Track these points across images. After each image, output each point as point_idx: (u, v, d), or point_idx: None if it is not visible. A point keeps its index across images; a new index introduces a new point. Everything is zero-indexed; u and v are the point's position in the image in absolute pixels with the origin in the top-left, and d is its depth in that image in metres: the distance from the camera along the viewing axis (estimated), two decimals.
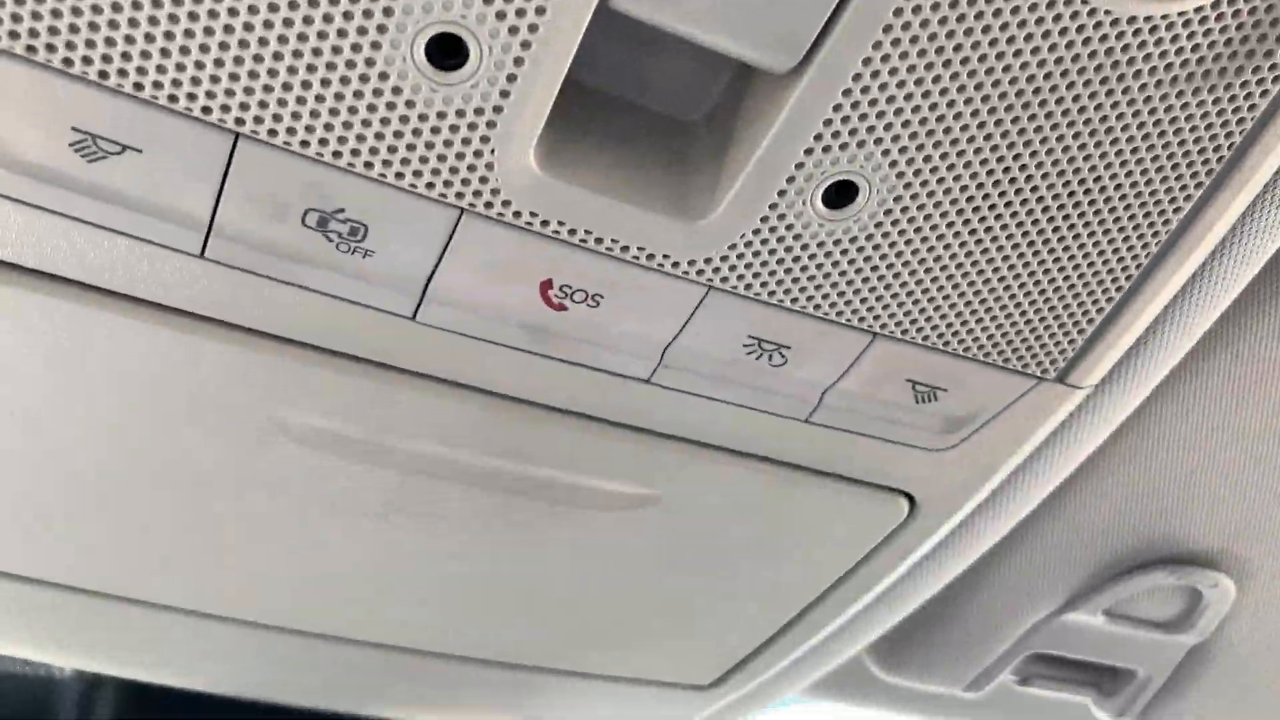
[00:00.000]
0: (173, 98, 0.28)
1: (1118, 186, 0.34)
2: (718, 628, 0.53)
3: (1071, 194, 0.34)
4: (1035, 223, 0.35)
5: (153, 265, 0.33)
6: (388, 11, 0.27)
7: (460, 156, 0.30)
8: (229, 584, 0.46)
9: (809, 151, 0.31)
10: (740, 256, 0.34)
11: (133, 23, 0.27)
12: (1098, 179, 0.34)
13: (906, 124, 0.31)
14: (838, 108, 0.30)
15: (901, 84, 0.30)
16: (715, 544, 0.46)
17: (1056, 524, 0.57)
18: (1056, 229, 0.35)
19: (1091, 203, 0.34)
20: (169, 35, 0.27)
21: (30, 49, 0.27)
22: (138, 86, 0.28)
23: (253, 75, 0.28)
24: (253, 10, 0.27)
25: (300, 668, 0.54)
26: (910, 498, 0.45)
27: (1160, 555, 0.60)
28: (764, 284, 0.35)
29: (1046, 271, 0.36)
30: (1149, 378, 0.43)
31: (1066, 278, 0.37)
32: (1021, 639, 0.65)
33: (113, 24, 0.27)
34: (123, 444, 0.38)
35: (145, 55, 0.28)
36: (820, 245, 0.34)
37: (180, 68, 0.28)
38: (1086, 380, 0.41)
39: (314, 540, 0.43)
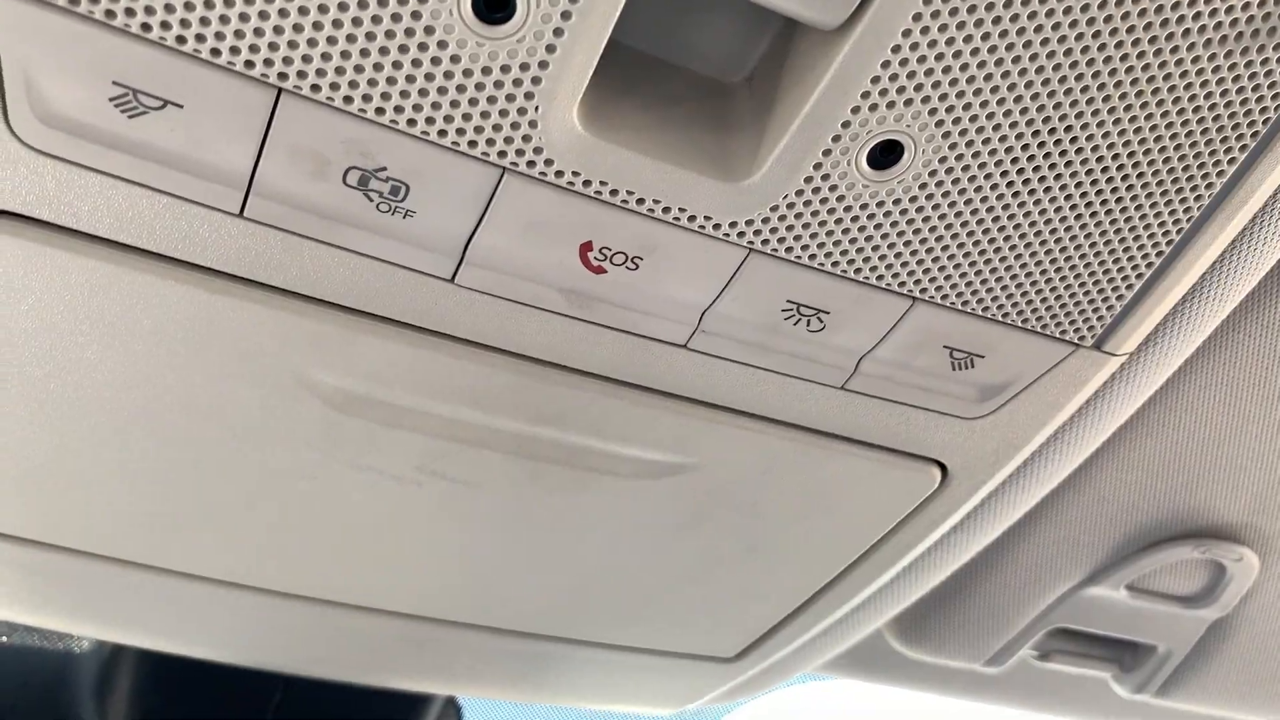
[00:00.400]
0: (215, 51, 0.28)
1: (1162, 150, 0.34)
2: (745, 599, 0.53)
3: (1116, 157, 0.34)
4: (1079, 185, 0.34)
5: (191, 224, 0.32)
6: None
7: (504, 114, 0.30)
8: (253, 551, 0.46)
9: (855, 110, 0.31)
10: (782, 219, 0.33)
11: None
12: (1143, 141, 0.33)
13: (955, 82, 0.31)
14: (886, 64, 0.30)
15: (951, 40, 0.29)
16: (745, 513, 0.46)
17: (1081, 497, 0.57)
18: (1100, 192, 0.35)
19: (1135, 165, 0.34)
20: None
21: (72, 1, 0.27)
22: (180, 40, 0.28)
23: (296, 29, 0.28)
24: None
25: (322, 639, 0.54)
26: (942, 467, 0.45)
27: (1184, 529, 0.60)
28: (805, 247, 0.34)
29: (1088, 236, 0.36)
30: (1183, 347, 0.43)
31: (1108, 242, 0.36)
32: (1044, 613, 0.64)
33: None
34: (152, 407, 0.38)
35: (188, 8, 0.27)
36: (863, 207, 0.34)
37: (223, 20, 0.28)
38: (1122, 348, 0.40)
39: (341, 506, 0.43)
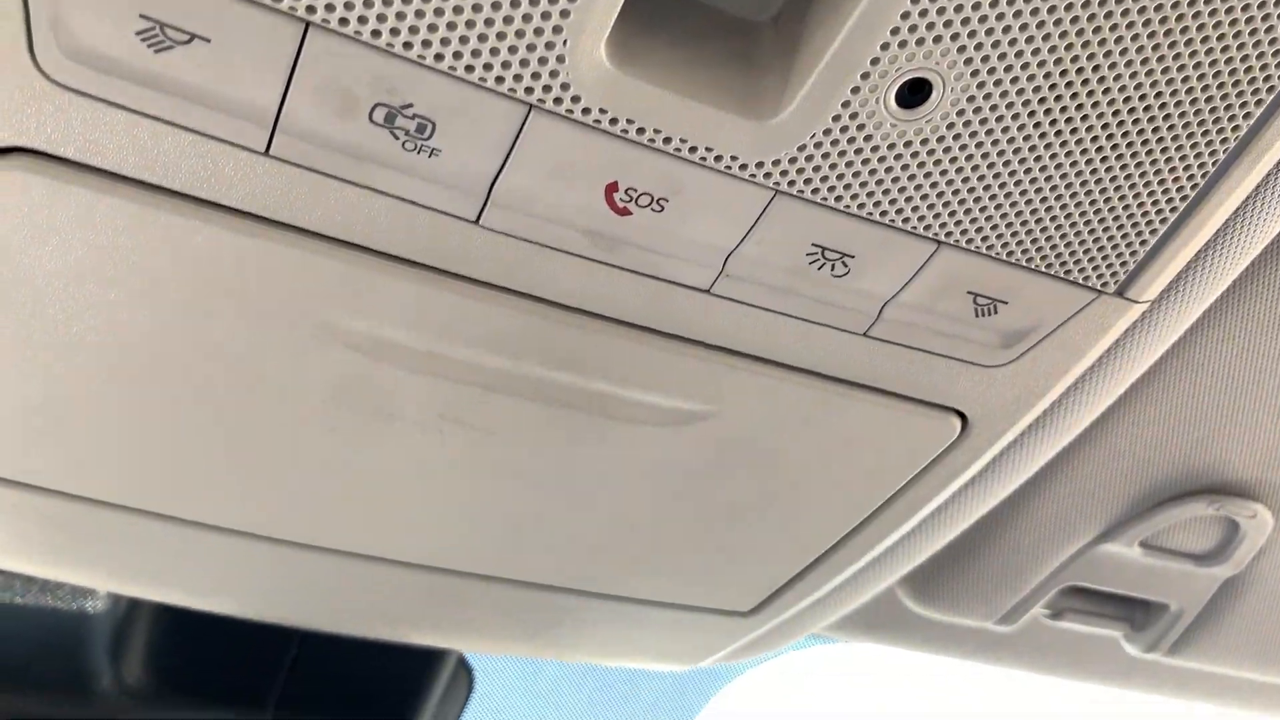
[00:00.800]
0: None
1: (1189, 91, 0.33)
2: (763, 551, 0.53)
3: (1144, 99, 0.33)
4: (1106, 128, 0.34)
5: (216, 163, 0.32)
6: None
7: (531, 49, 0.30)
8: (269, 502, 0.46)
9: (885, 46, 0.31)
10: (809, 159, 0.33)
11: None
12: (1170, 83, 0.33)
13: (984, 19, 0.30)
14: (915, 0, 0.30)
15: None
16: (764, 463, 0.46)
17: (1096, 451, 0.57)
18: (1126, 135, 0.34)
19: (1163, 108, 0.34)
20: None
21: None
22: None
23: None
24: None
25: (337, 592, 0.54)
26: (962, 416, 0.45)
27: (1199, 485, 0.60)
28: (831, 188, 0.34)
29: (1114, 180, 0.36)
30: (1204, 295, 0.43)
31: (1133, 187, 0.36)
32: (1057, 570, 0.65)
33: None
34: (173, 351, 0.38)
35: None
36: (890, 147, 0.33)
37: None
38: (1145, 295, 0.40)
39: (361, 455, 0.43)
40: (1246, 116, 0.34)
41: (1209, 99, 0.34)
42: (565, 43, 0.30)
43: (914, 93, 0.32)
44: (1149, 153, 0.35)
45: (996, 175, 0.35)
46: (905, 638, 0.74)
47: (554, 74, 0.30)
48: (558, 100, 0.31)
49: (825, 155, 0.33)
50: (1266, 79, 0.33)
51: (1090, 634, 0.73)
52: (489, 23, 0.29)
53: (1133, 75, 0.33)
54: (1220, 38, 0.32)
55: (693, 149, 0.33)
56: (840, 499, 0.49)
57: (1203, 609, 0.68)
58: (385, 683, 0.77)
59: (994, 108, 0.33)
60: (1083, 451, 0.57)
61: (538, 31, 0.29)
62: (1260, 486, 0.60)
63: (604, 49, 0.30)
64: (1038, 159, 0.35)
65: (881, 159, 0.34)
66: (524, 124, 0.32)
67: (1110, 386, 0.46)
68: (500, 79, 0.30)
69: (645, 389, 0.41)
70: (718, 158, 0.33)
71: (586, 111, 0.31)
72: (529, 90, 0.31)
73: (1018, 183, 0.35)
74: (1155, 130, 0.34)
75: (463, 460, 0.44)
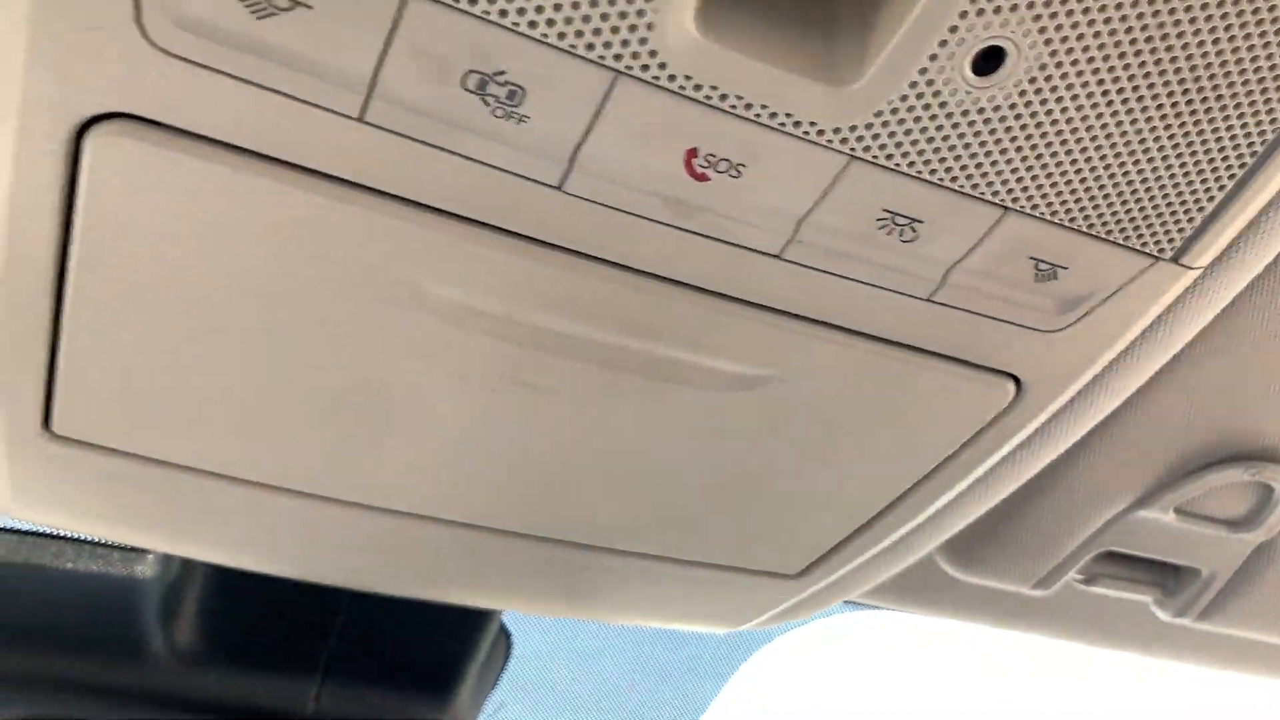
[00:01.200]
0: None
1: (1254, 59, 0.34)
2: (813, 513, 0.54)
3: (1209, 65, 0.34)
4: (1170, 94, 0.35)
5: (311, 128, 0.33)
6: None
7: (623, 15, 0.31)
8: (334, 461, 0.47)
9: (963, 15, 0.31)
10: (885, 125, 0.34)
11: None
12: (1235, 50, 0.34)
13: None
14: None
15: None
16: (820, 426, 0.47)
17: (1138, 417, 0.58)
18: (1190, 100, 0.35)
19: (1227, 77, 0.35)
20: None
21: None
22: None
23: None
24: None
25: (387, 551, 0.56)
26: (1017, 381, 0.46)
27: (1236, 451, 0.61)
28: (905, 154, 0.35)
29: (1175, 146, 0.37)
30: (1255, 261, 0.44)
31: (1194, 153, 0.37)
32: (1094, 535, 0.66)
33: None
34: (258, 311, 0.39)
35: None
36: (964, 114, 0.34)
37: None
38: (1199, 261, 0.41)
39: (430, 416, 0.44)
40: None
41: (1273, 66, 0.34)
42: (655, 10, 0.31)
43: (988, 60, 0.33)
44: (1211, 120, 0.36)
45: (1063, 142, 0.36)
46: (939, 604, 0.75)
47: (643, 41, 0.31)
48: (645, 67, 0.32)
49: (900, 121, 0.34)
50: None
51: (1121, 599, 0.74)
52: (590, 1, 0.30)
53: (1199, 42, 0.33)
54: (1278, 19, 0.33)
55: (772, 114, 0.34)
56: (893, 463, 0.50)
57: (1234, 574, 0.70)
58: (429, 647, 0.78)
59: (1064, 75, 0.34)
60: (1125, 417, 0.58)
61: (630, 0, 0.30)
62: None
63: (692, 17, 0.31)
64: (1104, 126, 0.35)
65: (955, 125, 0.35)
66: (611, 90, 0.33)
67: (1159, 352, 0.47)
68: (591, 45, 0.31)
69: (711, 354, 0.42)
70: (796, 123, 0.34)
71: (672, 78, 0.32)
72: (618, 57, 0.32)
73: (1083, 150, 0.36)
74: (1219, 98, 0.35)
75: (525, 421, 0.45)
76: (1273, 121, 0.36)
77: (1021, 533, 0.66)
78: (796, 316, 0.42)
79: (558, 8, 0.30)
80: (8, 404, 0.43)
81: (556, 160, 0.35)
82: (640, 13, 0.31)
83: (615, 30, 0.31)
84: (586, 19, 0.31)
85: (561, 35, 0.31)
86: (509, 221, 0.37)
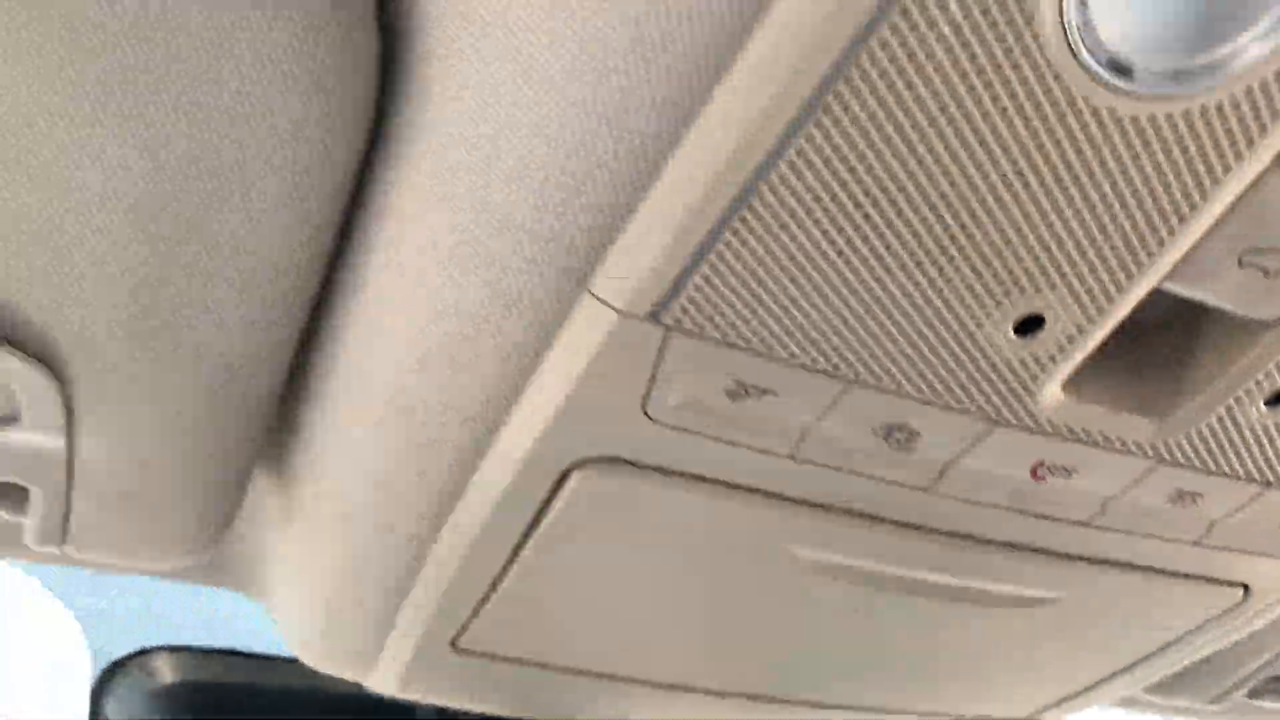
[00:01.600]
0: (801, 357, 0.38)
1: None
2: (1052, 681, 0.63)
3: None
4: None
5: (754, 462, 0.43)
6: (981, 301, 0.36)
7: (1014, 392, 0.40)
8: (725, 668, 0.58)
9: (1267, 374, 0.40)
10: (1189, 441, 0.43)
11: (775, 312, 0.36)
12: None
13: None
14: None
15: None
16: (1080, 627, 0.56)
17: None
18: None
19: None
20: (800, 311, 0.37)
21: (692, 330, 0.37)
22: (781, 347, 0.38)
23: (864, 340, 0.38)
24: (879, 295, 0.36)
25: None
26: (1246, 588, 0.55)
27: None
28: (1202, 460, 0.44)
29: None
30: None
31: None
32: (1264, 665, 0.74)
33: (755, 307, 0.36)
34: (690, 586, 0.49)
35: (788, 334, 0.37)
36: (1253, 430, 0.43)
37: (811, 340, 0.38)
38: None
39: (789, 628, 0.55)
40: None
41: None
42: (1040, 385, 0.40)
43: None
44: None
45: None
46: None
47: (1024, 404, 0.41)
48: (1019, 419, 0.41)
49: (1203, 439, 0.43)
50: None
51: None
52: (989, 380, 0.39)
53: None
54: None
55: (1107, 439, 0.43)
56: (1129, 645, 0.59)
57: None
58: None
59: None
60: None
61: (1021, 382, 0.40)
62: None
63: (1060, 386, 0.40)
64: None
65: (1245, 436, 0.44)
66: (987, 434, 0.42)
67: None
68: (981, 409, 0.41)
69: (1012, 585, 0.52)
70: (1123, 443, 0.43)
71: (1036, 423, 0.42)
72: (999, 414, 0.41)
73: None
74: None
75: (858, 634, 0.55)
76: None
77: (1209, 662, 0.75)
78: (1091, 560, 0.51)
79: (965, 389, 0.40)
80: (425, 632, 0.53)
81: (930, 474, 0.44)
82: (1027, 389, 0.40)
83: (1003, 398, 0.40)
84: (986, 394, 0.40)
85: (963, 405, 0.40)
86: (877, 511, 0.46)
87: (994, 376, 0.39)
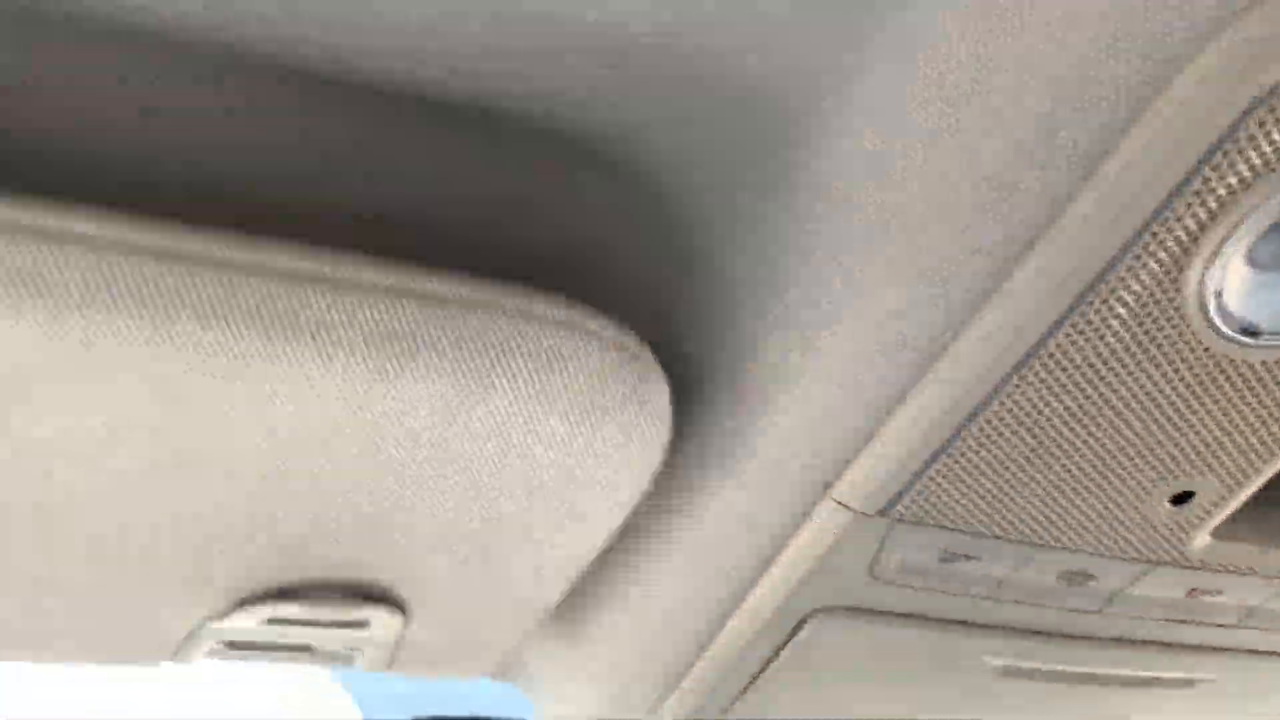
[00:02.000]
0: (995, 534, 0.48)
1: None
2: None
3: None
4: None
5: (959, 601, 0.53)
6: (1143, 485, 0.46)
7: (1170, 543, 0.50)
8: None
9: None
10: None
11: (986, 500, 0.47)
12: None
13: None
14: None
15: None
16: (1238, 704, 0.65)
17: None
18: None
19: None
20: (1008, 500, 0.47)
21: (914, 520, 0.47)
22: (994, 534, 0.48)
23: (1053, 516, 0.48)
24: (1068, 482, 0.46)
25: None
26: None
27: None
28: None
29: None
30: None
31: None
32: None
33: (971, 498, 0.46)
34: (902, 702, 0.60)
35: (993, 516, 0.47)
36: None
37: (1011, 515, 0.48)
38: None
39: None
40: None
41: None
42: (1191, 540, 0.49)
43: None
44: None
45: None
46: None
47: (1180, 551, 0.50)
48: (1174, 560, 0.51)
49: None
50: None
51: None
52: (1150, 539, 0.49)
53: None
54: None
55: (1251, 569, 0.52)
56: None
57: None
58: None
59: None
60: None
61: (1179, 539, 0.49)
62: None
63: (1209, 532, 0.50)
64: None
65: None
66: (1148, 573, 0.51)
67: None
68: (1145, 556, 0.50)
69: (1181, 672, 0.61)
70: (1265, 569, 0.52)
71: (1188, 562, 0.51)
72: (1158, 557, 0.50)
73: None
74: None
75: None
76: None
77: None
78: (1250, 652, 0.60)
79: (1131, 545, 0.49)
80: None
81: (1100, 601, 0.54)
82: (1179, 540, 0.49)
83: (1162, 549, 0.50)
84: (1148, 548, 0.50)
85: (1125, 554, 0.50)
86: (1055, 629, 0.56)
87: (1155, 534, 0.49)
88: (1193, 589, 0.53)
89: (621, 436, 0.43)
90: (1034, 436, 0.43)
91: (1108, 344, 0.39)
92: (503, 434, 0.42)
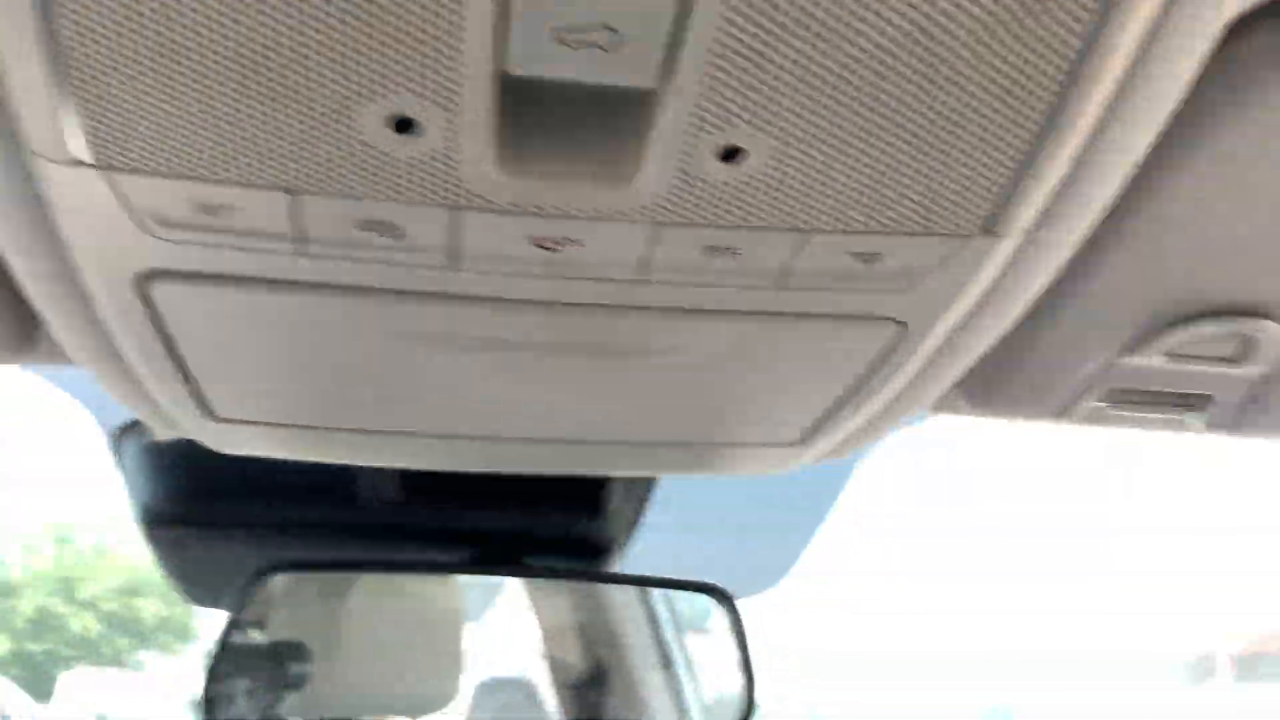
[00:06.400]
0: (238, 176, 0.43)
1: (985, 66, 0.40)
2: (795, 393, 0.66)
3: (936, 101, 0.41)
4: (908, 139, 0.42)
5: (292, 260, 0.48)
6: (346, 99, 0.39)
7: (445, 182, 0.43)
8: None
9: (699, 131, 0.41)
10: (672, 199, 0.44)
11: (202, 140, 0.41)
12: (953, 79, 0.40)
13: (773, 94, 0.40)
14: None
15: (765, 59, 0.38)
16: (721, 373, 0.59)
17: (1090, 285, 0.64)
18: (934, 132, 0.42)
19: (960, 94, 0.41)
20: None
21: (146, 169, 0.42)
22: (237, 177, 0.42)
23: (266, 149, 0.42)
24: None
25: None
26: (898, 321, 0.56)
27: (1205, 307, 0.66)
28: (700, 214, 0.45)
29: (940, 148, 0.43)
30: (1081, 214, 0.50)
31: (965, 162, 0.44)
32: (1093, 376, 0.73)
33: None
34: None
35: (226, 157, 0.42)
36: (725, 185, 0.44)
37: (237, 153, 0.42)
38: (1015, 229, 0.48)
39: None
40: (1063, 60, 0.41)
41: (1010, 63, 0.40)
42: (461, 168, 0.42)
43: (730, 154, 0.42)
44: (968, 118, 0.42)
45: (825, 185, 0.44)
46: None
47: (463, 186, 0.43)
48: (471, 201, 0.44)
49: (684, 196, 0.44)
50: (1064, 42, 0.39)
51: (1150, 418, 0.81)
52: (410, 171, 0.42)
53: (919, 90, 0.41)
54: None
55: (582, 210, 0.45)
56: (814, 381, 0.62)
57: (1247, 397, 0.75)
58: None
59: (805, 152, 0.42)
60: (1080, 287, 0.64)
61: (443, 168, 0.42)
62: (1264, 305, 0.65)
63: (494, 165, 0.42)
64: (856, 168, 0.44)
65: (727, 192, 0.44)
66: (458, 221, 0.45)
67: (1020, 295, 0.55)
68: (435, 199, 0.44)
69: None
70: (603, 211, 0.45)
71: (495, 204, 0.44)
72: (457, 199, 0.44)
73: (850, 183, 0.44)
74: (959, 118, 0.42)
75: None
76: (1035, 103, 0.42)
77: (1028, 372, 0.74)
78: (672, 310, 0.53)
79: (395, 188, 0.43)
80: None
81: (439, 258, 0.48)
82: (450, 172, 0.43)
83: (444, 185, 0.43)
84: (421, 181, 0.43)
85: (408, 198, 0.44)
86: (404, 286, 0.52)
87: (410, 172, 0.42)
88: (537, 237, 0.47)
89: None
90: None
91: None
92: None
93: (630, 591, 1.48)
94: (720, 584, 1.07)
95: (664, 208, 0.45)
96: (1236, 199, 0.57)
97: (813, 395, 0.64)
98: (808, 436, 0.72)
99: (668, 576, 1.10)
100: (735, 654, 1.05)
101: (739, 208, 0.45)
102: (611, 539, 1.12)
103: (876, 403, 0.67)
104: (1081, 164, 0.47)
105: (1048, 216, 0.50)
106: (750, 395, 0.64)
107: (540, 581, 1.52)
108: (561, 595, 1.66)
